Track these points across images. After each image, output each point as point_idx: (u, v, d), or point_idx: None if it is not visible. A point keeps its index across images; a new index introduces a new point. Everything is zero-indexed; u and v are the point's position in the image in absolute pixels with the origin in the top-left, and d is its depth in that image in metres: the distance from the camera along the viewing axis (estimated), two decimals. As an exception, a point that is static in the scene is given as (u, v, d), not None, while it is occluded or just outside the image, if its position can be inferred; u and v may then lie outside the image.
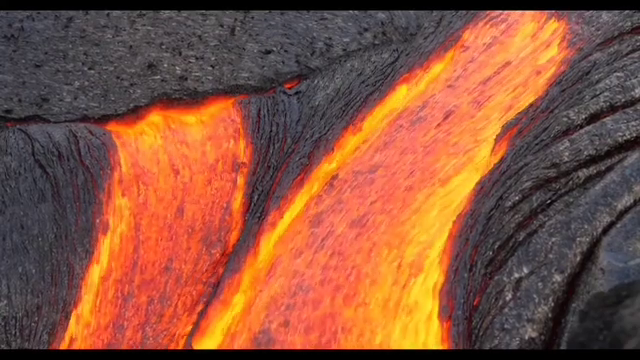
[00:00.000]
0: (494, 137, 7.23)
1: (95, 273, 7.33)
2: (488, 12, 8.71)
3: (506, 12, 8.68)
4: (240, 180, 7.66)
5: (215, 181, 7.48)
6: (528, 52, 8.03)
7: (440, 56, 8.48)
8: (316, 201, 7.08)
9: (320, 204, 7.05)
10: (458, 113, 7.53)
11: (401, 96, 8.27)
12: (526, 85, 7.65)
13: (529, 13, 8.57)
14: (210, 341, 6.87)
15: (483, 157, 7.15)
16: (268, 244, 7.27)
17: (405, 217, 6.82)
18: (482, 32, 8.53)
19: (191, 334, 6.93)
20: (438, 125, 7.46)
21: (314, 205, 7.07)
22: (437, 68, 8.30)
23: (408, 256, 6.50)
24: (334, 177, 7.21)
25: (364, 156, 7.40)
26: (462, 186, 7.02)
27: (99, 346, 6.64)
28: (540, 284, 5.51)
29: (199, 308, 6.97)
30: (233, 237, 7.33)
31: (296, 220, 7.04)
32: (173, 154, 7.69)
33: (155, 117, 8.09)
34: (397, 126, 7.56)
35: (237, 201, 7.50)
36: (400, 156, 7.24)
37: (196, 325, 6.97)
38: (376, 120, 7.85)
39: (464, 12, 8.86)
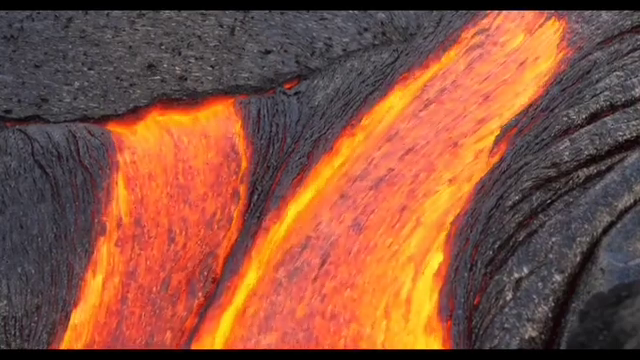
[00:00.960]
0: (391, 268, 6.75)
1: (93, 283, 7.32)
2: (475, 25, 8.67)
3: (493, 26, 8.55)
4: (236, 217, 7.66)
5: (208, 236, 7.50)
6: (455, 115, 7.72)
7: (438, 55, 8.47)
8: None
9: None
10: (336, 253, 6.93)
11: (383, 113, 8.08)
12: (442, 155, 7.34)
13: (519, 23, 8.48)
14: (210, 343, 6.86)
15: (375, 320, 6.46)
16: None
17: None
18: (455, 61, 8.30)
19: (191, 336, 6.92)
20: (314, 279, 6.80)
21: None
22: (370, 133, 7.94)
23: None
24: None
25: (249, 336, 6.75)
26: None
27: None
28: (540, 284, 5.52)
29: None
30: (219, 268, 7.32)
31: None
32: (174, 217, 7.67)
33: (167, 152, 8.02)
34: (277, 284, 6.94)
35: (225, 247, 7.46)
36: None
37: (195, 328, 6.97)
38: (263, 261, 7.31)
39: (464, 12, 8.87)
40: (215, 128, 8.30)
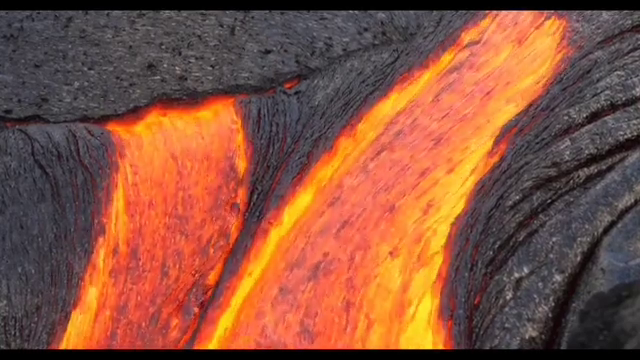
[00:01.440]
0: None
1: (86, 311, 7.32)
2: (475, 24, 8.60)
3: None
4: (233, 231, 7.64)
5: (202, 264, 7.46)
6: (399, 168, 7.35)
7: (438, 55, 8.44)
8: None
9: None
10: None
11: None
12: (377, 226, 6.89)
13: (510, 33, 8.33)
14: (210, 343, 6.86)
15: None
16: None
17: None
18: (427, 90, 8.00)
19: (192, 337, 6.92)
20: None
21: None
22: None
23: None
24: None
25: None
26: None
27: None
28: (540, 284, 5.50)
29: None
30: (212, 281, 7.28)
31: None
32: (169, 250, 7.59)
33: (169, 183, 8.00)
34: None
35: (216, 272, 7.42)
36: None
37: (196, 329, 6.96)
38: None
39: (464, 11, 8.85)
40: (218, 147, 8.23)
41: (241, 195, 7.80)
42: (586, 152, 6.23)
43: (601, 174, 6.05)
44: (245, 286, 7.16)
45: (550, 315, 5.35)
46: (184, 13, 9.05)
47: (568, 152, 6.28)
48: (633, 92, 6.48)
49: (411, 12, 9.10)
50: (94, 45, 8.87)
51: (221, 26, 9.03)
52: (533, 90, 7.45)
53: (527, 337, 5.33)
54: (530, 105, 7.28)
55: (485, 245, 6.23)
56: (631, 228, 5.41)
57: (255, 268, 7.23)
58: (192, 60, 8.80)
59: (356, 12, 9.09)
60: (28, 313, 7.12)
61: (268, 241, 7.34)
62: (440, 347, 6.09)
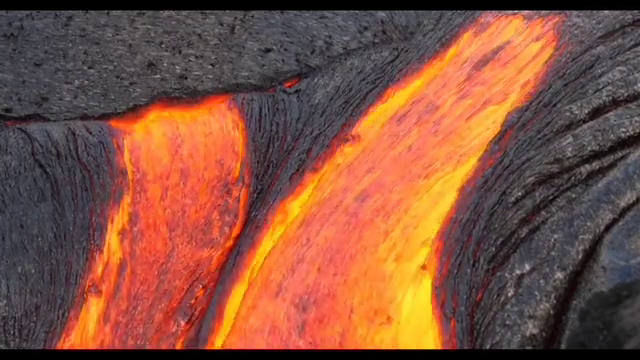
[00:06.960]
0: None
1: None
2: (474, 22, 8.54)
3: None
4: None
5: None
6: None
7: (437, 51, 8.41)
8: None
9: None
10: None
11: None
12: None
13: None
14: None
15: None
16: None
17: None
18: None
19: (189, 340, 6.91)
20: None
21: None
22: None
23: None
24: None
25: None
26: None
27: None
28: (542, 281, 5.49)
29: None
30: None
31: None
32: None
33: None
34: None
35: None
36: None
37: (194, 331, 6.95)
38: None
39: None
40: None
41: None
42: (588, 149, 6.21)
43: (603, 171, 6.04)
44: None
45: (551, 312, 5.34)
46: (184, 12, 9.03)
47: (570, 148, 6.27)
48: (635, 88, 6.46)
49: (411, 11, 9.07)
50: (94, 44, 8.86)
51: (221, 25, 9.01)
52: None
53: (528, 334, 5.32)
54: (531, 102, 7.26)
55: (487, 241, 6.22)
56: (632, 226, 5.39)
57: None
58: (192, 59, 8.78)
59: (356, 11, 9.06)
60: (27, 312, 7.12)
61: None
62: (442, 344, 6.07)
